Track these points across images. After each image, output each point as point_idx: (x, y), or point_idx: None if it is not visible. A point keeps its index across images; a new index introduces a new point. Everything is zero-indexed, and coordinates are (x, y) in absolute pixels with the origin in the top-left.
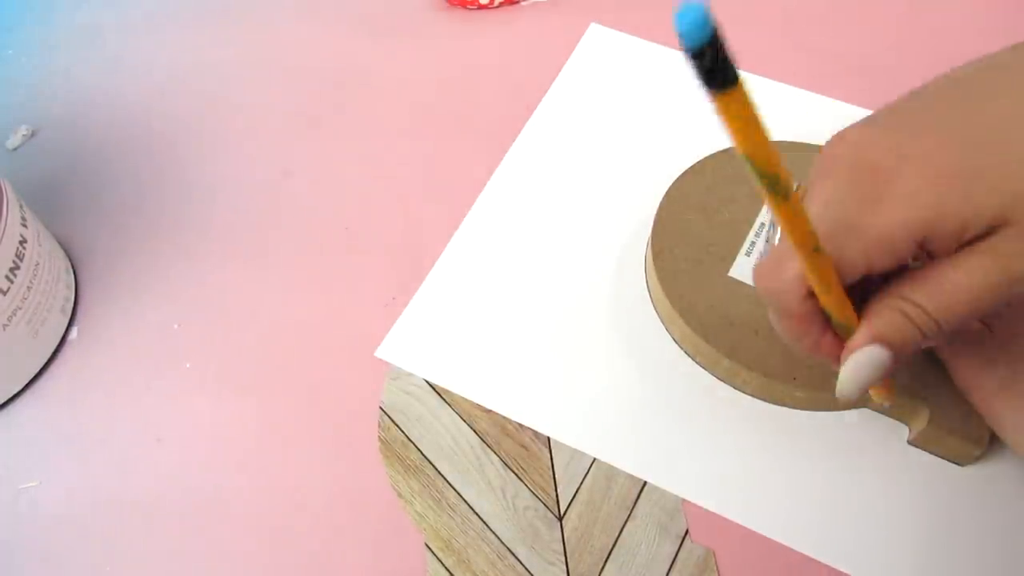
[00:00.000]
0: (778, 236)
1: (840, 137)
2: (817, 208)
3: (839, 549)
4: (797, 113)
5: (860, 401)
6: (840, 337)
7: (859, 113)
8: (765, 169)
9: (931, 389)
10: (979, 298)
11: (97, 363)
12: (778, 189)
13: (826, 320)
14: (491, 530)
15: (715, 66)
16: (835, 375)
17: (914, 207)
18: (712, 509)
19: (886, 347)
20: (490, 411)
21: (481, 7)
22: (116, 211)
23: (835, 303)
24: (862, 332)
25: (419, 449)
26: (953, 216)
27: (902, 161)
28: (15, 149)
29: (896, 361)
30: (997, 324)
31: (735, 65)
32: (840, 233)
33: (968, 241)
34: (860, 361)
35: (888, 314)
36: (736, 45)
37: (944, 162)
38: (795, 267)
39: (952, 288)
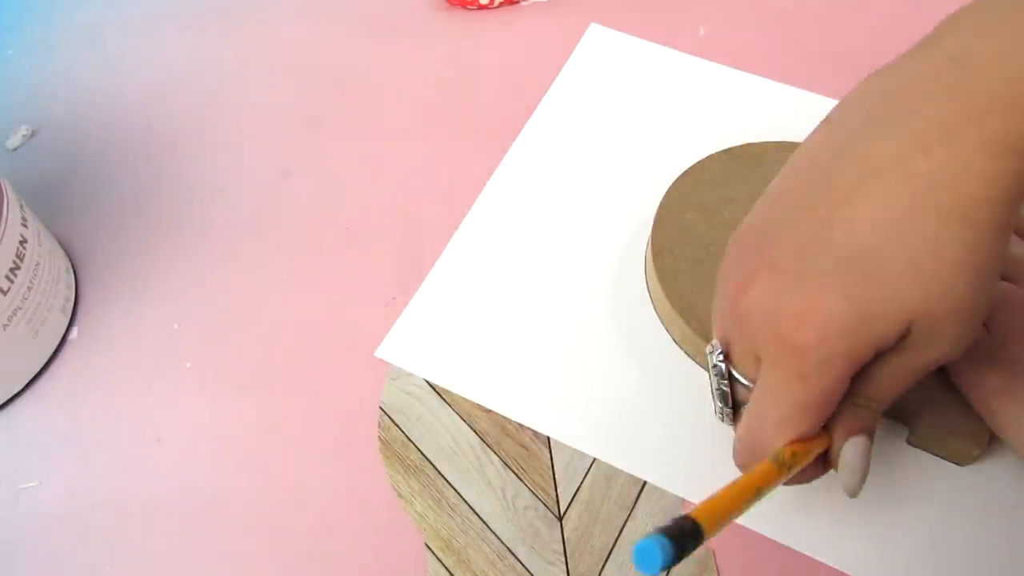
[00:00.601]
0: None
1: (742, 294)
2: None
3: (839, 549)
4: (797, 113)
5: None
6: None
7: None
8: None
9: (931, 389)
10: (905, 385)
11: (97, 363)
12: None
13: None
14: (491, 530)
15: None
16: None
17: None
18: None
19: (862, 435)
20: (490, 411)
21: (481, 7)
22: (116, 211)
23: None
24: (841, 431)
25: (419, 449)
26: (877, 337)
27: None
28: (15, 149)
29: (871, 442)
30: (995, 324)
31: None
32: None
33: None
34: (855, 452)
35: (851, 409)
36: (737, 45)
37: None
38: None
39: (886, 384)
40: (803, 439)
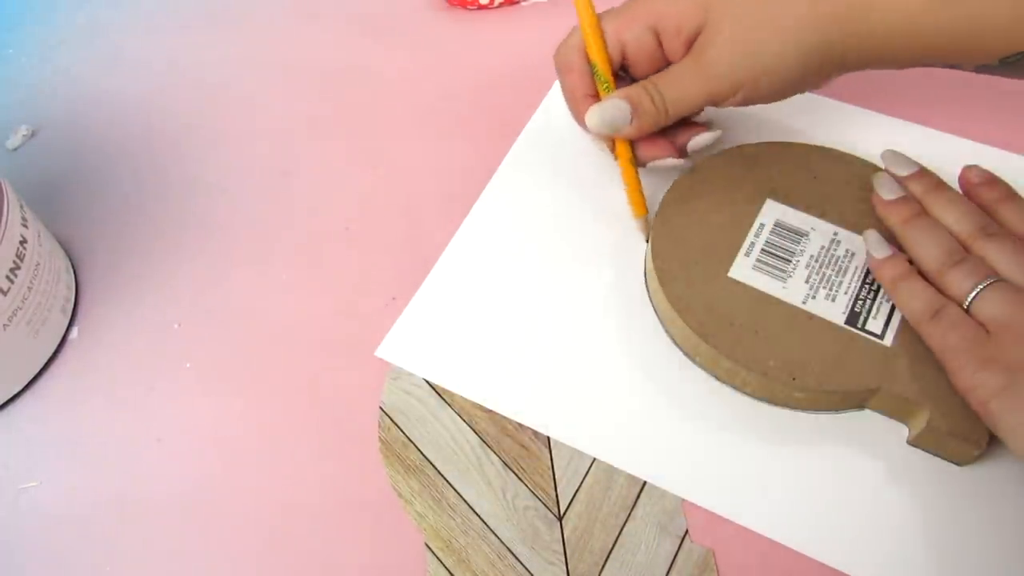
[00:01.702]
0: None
1: None
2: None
3: (839, 549)
4: (795, 114)
5: (858, 403)
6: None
7: (858, 114)
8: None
9: (931, 390)
10: (692, 106)
11: (97, 363)
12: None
13: (595, 90)
14: (491, 530)
15: None
16: (837, 371)
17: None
18: (712, 509)
19: (630, 104)
20: (490, 411)
21: (481, 7)
22: (116, 211)
23: (601, 60)
24: (617, 91)
25: (419, 449)
26: (671, 17)
27: None
28: (15, 149)
29: (636, 125)
30: (994, 327)
31: None
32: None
33: (690, 41)
34: (609, 103)
35: (638, 87)
36: None
37: None
38: (577, 36)
39: (677, 93)
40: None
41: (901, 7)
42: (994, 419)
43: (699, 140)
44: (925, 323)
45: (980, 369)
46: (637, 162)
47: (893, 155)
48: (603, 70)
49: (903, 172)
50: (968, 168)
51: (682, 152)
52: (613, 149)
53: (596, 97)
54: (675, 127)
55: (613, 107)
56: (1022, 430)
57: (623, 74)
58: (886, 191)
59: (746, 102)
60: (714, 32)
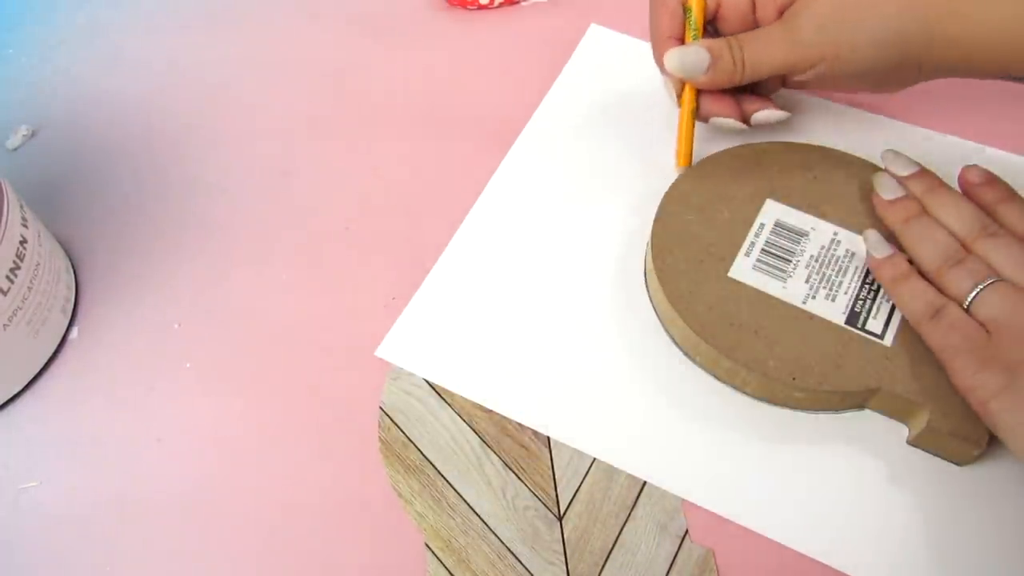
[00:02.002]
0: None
1: None
2: None
3: (839, 549)
4: (795, 114)
5: (858, 403)
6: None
7: (857, 115)
8: None
9: (931, 390)
10: (770, 69)
11: (97, 363)
12: None
13: (681, 33)
14: (491, 530)
15: None
16: (837, 371)
17: None
18: (712, 509)
19: (710, 54)
20: (490, 411)
21: (481, 7)
22: (116, 211)
23: (697, 5)
24: (701, 40)
25: (419, 449)
26: None
27: None
28: (15, 149)
29: (710, 75)
30: (994, 327)
31: None
32: None
33: (783, 9)
34: (692, 48)
35: (721, 40)
36: None
37: None
38: None
39: (757, 54)
40: None
41: (995, 13)
42: (994, 419)
43: (766, 114)
44: (925, 323)
45: (980, 369)
46: (698, 115)
47: (894, 155)
48: (697, 16)
49: (903, 172)
50: (968, 168)
51: (745, 120)
52: (679, 97)
53: (680, 40)
54: (747, 95)
55: (694, 53)
56: (1021, 430)
57: (710, 27)
58: (886, 191)
59: (819, 81)
60: (808, 1)
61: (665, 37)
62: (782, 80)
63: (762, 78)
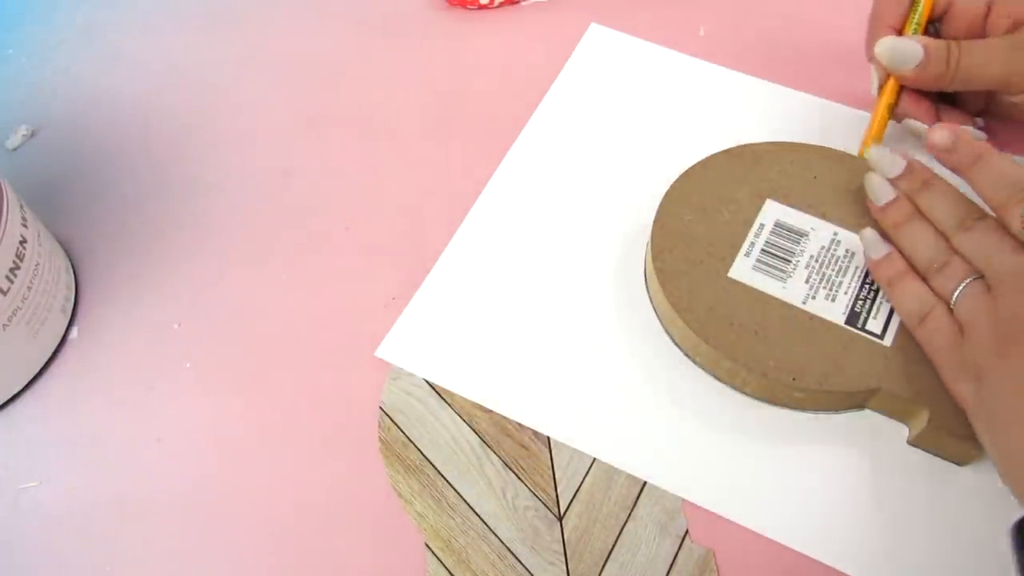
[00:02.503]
0: None
1: None
2: None
3: (839, 549)
4: (796, 114)
5: (858, 403)
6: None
7: (858, 115)
8: None
9: (931, 390)
10: (984, 81)
11: (97, 363)
12: None
13: (901, 24)
14: (491, 530)
15: None
16: (837, 371)
17: None
18: (712, 509)
19: (925, 52)
20: (490, 411)
21: (481, 7)
22: (116, 211)
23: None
24: (919, 36)
25: (419, 449)
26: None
27: None
28: (15, 149)
29: (918, 71)
30: (966, 329)
31: None
32: None
33: (1017, 25)
34: (908, 41)
35: (940, 42)
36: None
37: None
38: None
39: (975, 63)
40: None
41: None
42: (972, 424)
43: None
44: (915, 325)
45: (956, 376)
46: (894, 111)
47: (879, 155)
48: (924, 10)
49: (891, 173)
50: (931, 131)
51: None
52: (881, 87)
53: (898, 31)
54: (948, 106)
55: (909, 46)
56: (987, 437)
57: (931, 27)
58: (876, 196)
59: None
60: None
61: (884, 24)
62: (986, 100)
63: (971, 88)
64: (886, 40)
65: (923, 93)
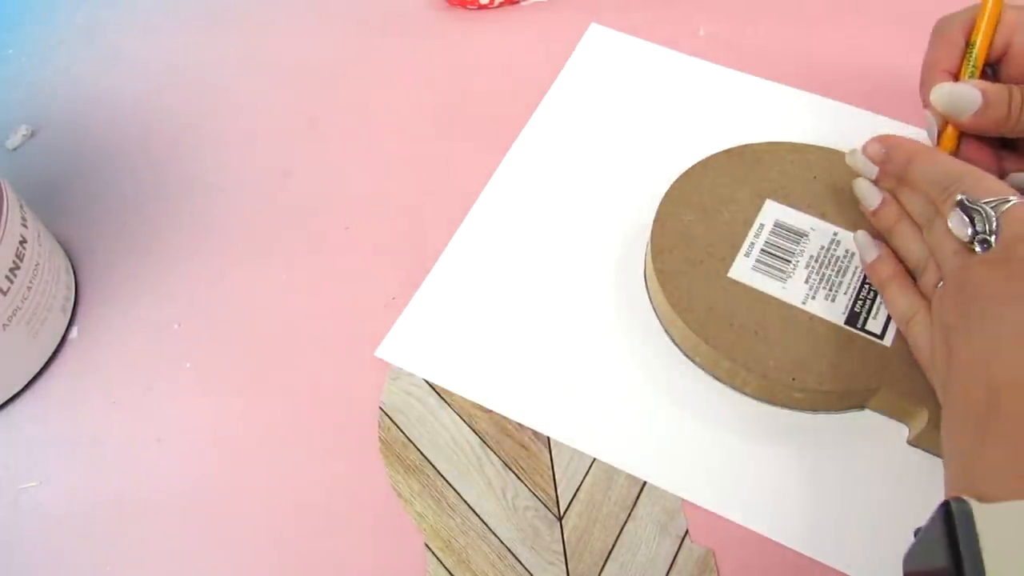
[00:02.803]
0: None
1: None
2: None
3: (839, 549)
4: (796, 114)
5: (858, 403)
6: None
7: (858, 115)
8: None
9: (931, 390)
10: None
11: (97, 363)
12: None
13: (957, 68)
14: (491, 530)
15: None
16: (837, 371)
17: None
18: (712, 509)
19: (984, 97)
20: (490, 411)
21: (481, 7)
22: (116, 211)
23: (983, 44)
24: (977, 80)
25: (419, 449)
26: None
27: None
28: (15, 149)
29: (976, 118)
30: (933, 331)
31: None
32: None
33: None
34: (965, 87)
35: (1001, 86)
36: (737, 46)
37: None
38: (968, 13)
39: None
40: None
41: None
42: None
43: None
44: (903, 327)
45: (932, 378)
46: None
47: (853, 157)
48: (979, 53)
49: (871, 175)
50: (865, 146)
51: (1000, 175)
52: (939, 135)
53: (954, 76)
54: (1009, 152)
55: (967, 92)
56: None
57: (987, 69)
58: (866, 200)
59: None
60: None
61: (939, 69)
62: None
63: None
64: (943, 87)
65: (984, 139)
